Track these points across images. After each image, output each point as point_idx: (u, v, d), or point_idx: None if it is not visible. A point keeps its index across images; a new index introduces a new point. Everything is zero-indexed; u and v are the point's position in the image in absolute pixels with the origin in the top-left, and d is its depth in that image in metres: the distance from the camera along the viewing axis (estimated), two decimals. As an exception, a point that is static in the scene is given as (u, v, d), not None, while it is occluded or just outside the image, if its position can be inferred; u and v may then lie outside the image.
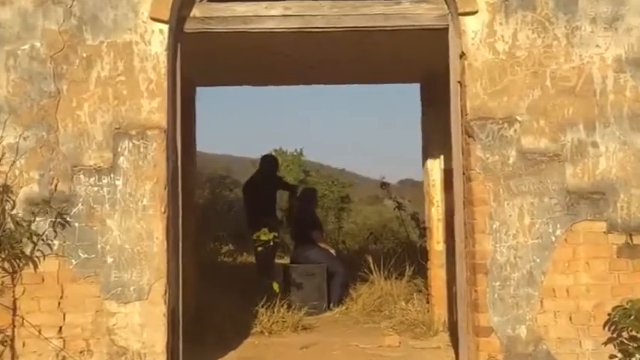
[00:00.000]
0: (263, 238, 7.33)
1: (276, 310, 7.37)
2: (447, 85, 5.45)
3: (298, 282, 8.46)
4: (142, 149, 5.05)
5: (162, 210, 5.01)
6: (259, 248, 7.58)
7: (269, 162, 9.80)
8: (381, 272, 8.89)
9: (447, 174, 6.94)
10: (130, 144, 5.05)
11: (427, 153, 7.12)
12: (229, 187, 22.55)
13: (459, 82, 5.28)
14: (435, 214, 7.07)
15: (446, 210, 6.97)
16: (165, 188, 5.04)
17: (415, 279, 8.87)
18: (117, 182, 5.03)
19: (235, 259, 12.75)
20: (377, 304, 8.44)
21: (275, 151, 20.80)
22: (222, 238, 14.77)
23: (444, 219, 6.99)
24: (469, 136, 5.12)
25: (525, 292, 4.98)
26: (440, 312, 6.99)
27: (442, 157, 6.99)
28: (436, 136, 7.04)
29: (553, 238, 5.02)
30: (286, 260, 11.01)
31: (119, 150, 5.04)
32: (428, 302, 7.28)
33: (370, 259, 9.02)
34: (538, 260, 5.00)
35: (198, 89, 7.36)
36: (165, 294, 4.99)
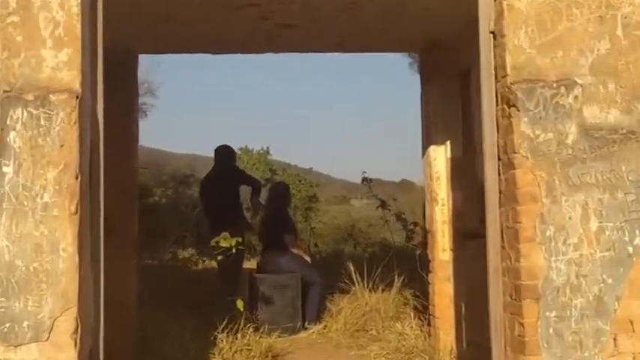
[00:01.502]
0: (223, 244, 5.69)
1: (240, 334, 5.77)
2: (455, 50, 3.97)
3: (267, 296, 6.84)
4: (42, 121, 3.39)
5: (73, 209, 3.36)
6: (219, 257, 5.93)
7: (225, 153, 8.08)
8: (365, 282, 7.34)
9: (456, 164, 5.39)
10: (25, 114, 3.39)
11: (429, 138, 5.54)
12: (192, 186, 21.45)
13: (492, 32, 3.71)
14: (440, 214, 5.48)
15: (453, 210, 5.41)
16: (77, 178, 3.39)
17: (404, 291, 7.35)
18: (4, 169, 3.36)
19: (196, 264, 11.05)
20: (362, 323, 6.86)
21: (241, 149, 19.38)
22: (185, 240, 13.15)
23: (451, 221, 5.43)
24: (509, 106, 3.56)
25: (593, 326, 3.43)
26: (446, 338, 5.41)
27: (449, 142, 5.43)
28: (440, 117, 5.47)
29: (630, 250, 3.48)
30: (254, 263, 9.48)
31: (9, 122, 3.38)
32: (429, 324, 5.70)
33: (351, 267, 7.45)
34: (610, 281, 3.45)
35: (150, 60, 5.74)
36: (76, 332, 3.33)
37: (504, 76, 3.59)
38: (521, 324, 3.45)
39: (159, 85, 22.97)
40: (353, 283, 7.37)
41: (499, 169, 3.67)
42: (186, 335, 5.68)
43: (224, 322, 5.70)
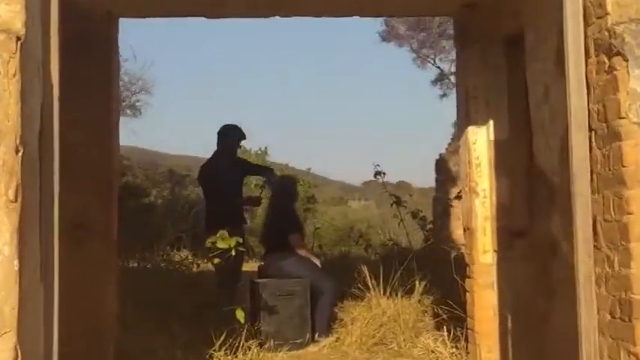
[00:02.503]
0: (220, 245, 4.69)
1: (240, 350, 4.79)
2: (499, 11, 2.98)
3: (271, 305, 5.82)
4: (-31, 73, 2.39)
5: (11, 195, 2.36)
6: (215, 260, 4.91)
7: (233, 135, 6.48)
8: (380, 288, 6.37)
9: (501, 148, 4.42)
10: (-56, 61, 2.39)
11: (467, 117, 4.55)
12: (189, 186, 20.82)
13: (579, -40, 2.73)
14: (481, 209, 4.48)
15: (498, 203, 4.43)
16: (16, 152, 2.39)
17: (426, 298, 6.37)
18: None
19: (190, 269, 10.03)
20: (380, 335, 5.87)
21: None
22: (181, 241, 12.18)
23: (495, 216, 4.45)
24: (611, 55, 2.58)
25: None
26: (489, 356, 4.43)
27: (491, 122, 4.45)
28: (481, 91, 4.49)
29: None
30: (252, 265, 8.47)
31: None
32: (467, 340, 4.71)
33: (366, 270, 6.47)
34: None
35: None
36: (15, 365, 2.34)
37: (602, 17, 2.61)
38: (632, 353, 2.46)
39: (153, 84, 21.94)
40: (368, 289, 6.40)
41: (592, 142, 2.69)
42: (178, 354, 4.71)
43: (222, 337, 4.74)
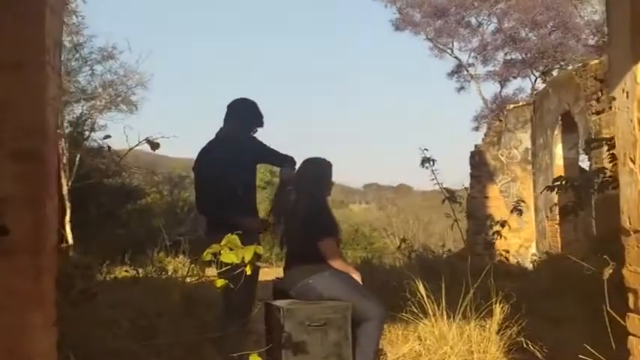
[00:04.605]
0: (227, 260, 2.81)
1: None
2: None
3: (298, 340, 3.98)
4: None
5: None
6: (219, 282, 3.00)
7: (248, 111, 4.72)
8: (441, 310, 4.57)
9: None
10: None
11: (636, 48, 2.71)
12: (188, 188, 19.56)
13: None
14: (657, 198, 2.64)
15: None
16: None
17: (509, 326, 4.53)
18: None
19: (184, 279, 8.08)
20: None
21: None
22: (179, 246, 10.44)
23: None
24: None
25: None
26: None
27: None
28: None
29: None
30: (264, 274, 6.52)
31: None
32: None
33: (422, 287, 4.65)
34: None
35: None
36: None
37: None
38: None
39: (150, 77, 20.04)
40: (425, 314, 4.58)
41: None
42: None
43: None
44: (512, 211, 6.90)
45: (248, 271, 2.79)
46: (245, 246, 2.92)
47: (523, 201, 7.32)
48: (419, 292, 4.73)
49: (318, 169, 4.62)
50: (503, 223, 6.46)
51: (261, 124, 4.72)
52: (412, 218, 31.81)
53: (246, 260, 2.74)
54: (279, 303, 4.30)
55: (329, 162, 4.65)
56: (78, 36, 18.65)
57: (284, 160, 4.75)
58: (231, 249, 2.80)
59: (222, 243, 2.89)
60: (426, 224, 32.00)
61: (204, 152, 4.66)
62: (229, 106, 4.68)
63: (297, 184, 4.61)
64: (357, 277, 4.46)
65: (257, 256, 3.22)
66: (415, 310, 4.73)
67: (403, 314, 4.79)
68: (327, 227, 4.49)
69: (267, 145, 4.79)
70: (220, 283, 2.95)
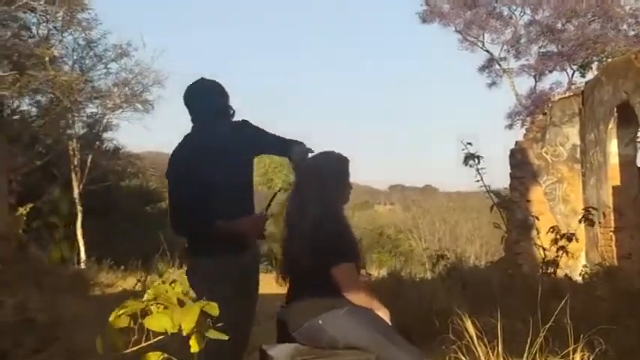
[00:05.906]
0: (153, 327, 1.57)
1: None
2: None
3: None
4: None
5: None
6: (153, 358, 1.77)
7: (207, 96, 3.29)
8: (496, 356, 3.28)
9: None
10: None
11: None
12: None
13: None
14: None
15: None
16: None
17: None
18: None
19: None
20: None
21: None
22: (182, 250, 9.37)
23: None
24: None
25: None
26: None
27: None
28: None
29: None
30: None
31: None
32: None
33: (470, 325, 3.36)
34: None
35: None
36: None
37: None
38: None
39: (167, 76, 18.95)
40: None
41: None
42: None
43: None
44: (580, 221, 5.57)
45: (193, 347, 1.50)
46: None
47: (594, 208, 6.00)
48: (467, 332, 3.43)
49: (331, 167, 3.30)
50: (570, 237, 5.12)
51: (228, 101, 3.39)
52: (438, 220, 30.57)
53: (185, 329, 1.46)
54: (278, 352, 3.04)
55: (345, 157, 3.33)
56: (91, 32, 17.66)
57: (290, 145, 3.41)
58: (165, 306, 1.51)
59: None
60: (453, 226, 30.65)
61: (180, 155, 3.34)
62: (186, 97, 3.35)
63: (302, 188, 3.30)
64: (384, 314, 3.15)
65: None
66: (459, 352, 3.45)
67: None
68: (344, 248, 3.18)
69: (264, 129, 3.46)
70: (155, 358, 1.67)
